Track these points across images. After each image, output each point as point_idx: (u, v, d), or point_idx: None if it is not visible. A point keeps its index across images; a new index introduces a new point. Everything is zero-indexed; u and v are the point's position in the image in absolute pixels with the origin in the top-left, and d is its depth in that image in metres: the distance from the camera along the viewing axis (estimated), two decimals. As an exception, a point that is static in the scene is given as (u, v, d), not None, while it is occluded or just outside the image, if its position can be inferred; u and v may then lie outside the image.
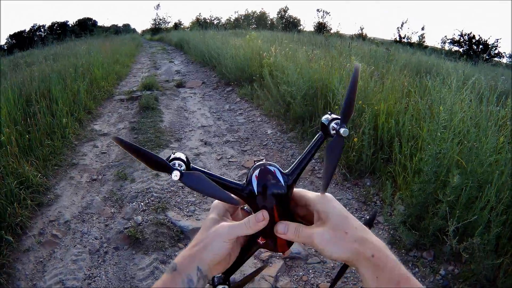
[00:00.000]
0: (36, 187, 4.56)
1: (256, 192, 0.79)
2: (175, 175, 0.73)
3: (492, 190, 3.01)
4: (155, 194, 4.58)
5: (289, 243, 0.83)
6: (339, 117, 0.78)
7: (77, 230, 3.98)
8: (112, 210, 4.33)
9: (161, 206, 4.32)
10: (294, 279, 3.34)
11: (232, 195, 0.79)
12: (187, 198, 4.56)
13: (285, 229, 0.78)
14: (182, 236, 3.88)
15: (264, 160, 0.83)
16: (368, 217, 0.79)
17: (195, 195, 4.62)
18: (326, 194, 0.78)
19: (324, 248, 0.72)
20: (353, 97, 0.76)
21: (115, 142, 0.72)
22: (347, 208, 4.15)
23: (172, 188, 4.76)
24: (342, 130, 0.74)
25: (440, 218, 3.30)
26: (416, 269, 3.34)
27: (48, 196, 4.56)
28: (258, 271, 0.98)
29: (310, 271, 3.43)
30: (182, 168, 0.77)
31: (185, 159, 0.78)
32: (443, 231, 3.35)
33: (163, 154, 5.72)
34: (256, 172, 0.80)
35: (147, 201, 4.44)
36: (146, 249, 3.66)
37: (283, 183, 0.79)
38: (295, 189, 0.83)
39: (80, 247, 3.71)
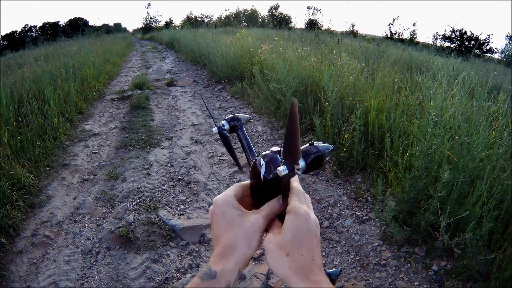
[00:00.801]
0: (28, 188, 4.55)
1: (260, 166, 0.80)
2: (215, 130, 1.03)
3: (484, 185, 3.02)
4: (146, 193, 4.57)
5: None
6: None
7: (69, 230, 3.97)
8: (104, 210, 4.32)
9: (152, 205, 4.31)
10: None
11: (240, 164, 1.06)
12: (178, 197, 4.56)
13: (274, 203, 0.77)
14: (174, 235, 3.87)
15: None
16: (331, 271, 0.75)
17: (185, 194, 4.62)
18: (301, 211, 0.73)
19: (266, 256, 0.71)
20: (292, 138, 0.65)
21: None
22: (338, 205, 4.17)
23: (163, 187, 4.75)
24: (281, 168, 0.69)
25: (432, 213, 3.31)
26: (409, 265, 3.34)
27: (40, 197, 4.54)
28: None
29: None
30: (224, 127, 1.04)
31: (230, 124, 1.05)
32: (435, 226, 3.35)
33: (154, 153, 5.73)
34: (265, 156, 0.82)
35: (138, 201, 4.43)
36: (137, 248, 3.66)
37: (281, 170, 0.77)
38: (298, 188, 0.81)
39: (72, 248, 3.70)
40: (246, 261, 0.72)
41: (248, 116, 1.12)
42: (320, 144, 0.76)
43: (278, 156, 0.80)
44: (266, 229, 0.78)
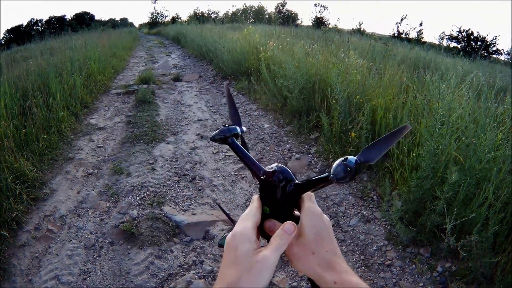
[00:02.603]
0: (32, 182, 4.54)
1: (271, 175, 0.81)
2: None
3: (490, 187, 3.00)
4: (150, 188, 4.56)
5: None
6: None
7: (72, 225, 3.96)
8: (108, 205, 4.31)
9: (157, 201, 4.30)
10: (290, 274, 3.33)
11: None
12: (183, 192, 4.54)
13: (272, 227, 0.79)
14: (178, 231, 3.86)
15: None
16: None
17: (190, 189, 4.61)
18: (317, 211, 0.78)
19: (291, 260, 0.74)
20: (383, 148, 0.76)
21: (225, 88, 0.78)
22: (343, 204, 4.15)
23: (168, 182, 4.74)
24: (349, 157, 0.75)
25: (438, 214, 3.29)
26: (413, 265, 3.32)
27: (44, 191, 4.53)
28: None
29: (307, 266, 3.40)
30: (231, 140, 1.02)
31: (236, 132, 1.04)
32: (441, 227, 3.34)
33: (159, 148, 5.72)
34: (277, 166, 0.82)
35: (142, 196, 4.42)
36: (141, 243, 3.64)
37: (294, 179, 0.81)
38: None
39: (75, 242, 3.69)
40: None
41: (243, 129, 1.10)
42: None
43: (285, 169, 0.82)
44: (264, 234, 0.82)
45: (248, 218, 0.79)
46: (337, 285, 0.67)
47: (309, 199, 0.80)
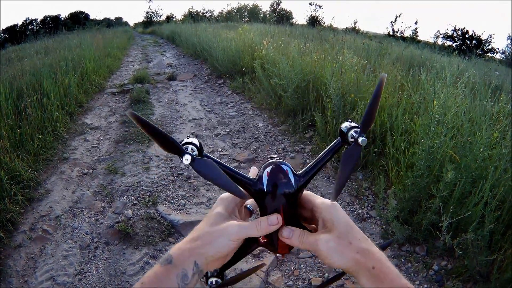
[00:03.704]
0: (27, 182, 4.52)
1: (265, 189, 0.78)
2: (186, 159, 0.73)
3: (487, 186, 3.00)
4: (145, 188, 4.55)
5: (291, 246, 0.82)
6: (359, 125, 0.77)
7: (67, 225, 3.95)
8: (103, 205, 4.30)
9: (152, 200, 4.30)
10: (286, 273, 3.33)
11: (240, 188, 0.78)
12: (178, 192, 4.54)
13: (290, 235, 0.77)
14: (173, 231, 3.86)
15: (278, 158, 0.83)
16: (383, 242, 0.79)
17: (185, 189, 4.60)
18: (328, 202, 0.78)
19: (328, 256, 0.72)
20: (375, 108, 0.75)
21: (130, 118, 0.70)
22: (339, 202, 4.15)
23: (162, 182, 4.73)
24: (360, 139, 0.73)
25: (433, 213, 3.29)
26: (409, 264, 3.33)
27: (39, 191, 4.51)
28: (255, 269, 0.95)
29: (302, 265, 3.41)
30: (194, 153, 0.77)
31: (198, 145, 0.79)
32: (436, 226, 3.34)
33: (154, 148, 5.70)
34: (268, 169, 0.79)
35: (137, 195, 4.41)
36: (136, 243, 3.64)
37: (293, 184, 0.78)
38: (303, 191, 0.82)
39: (70, 243, 3.68)
40: (207, 260, 0.71)
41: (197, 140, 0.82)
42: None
43: (282, 165, 0.79)
44: (266, 245, 0.83)
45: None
46: (376, 270, 0.68)
47: (314, 195, 0.81)
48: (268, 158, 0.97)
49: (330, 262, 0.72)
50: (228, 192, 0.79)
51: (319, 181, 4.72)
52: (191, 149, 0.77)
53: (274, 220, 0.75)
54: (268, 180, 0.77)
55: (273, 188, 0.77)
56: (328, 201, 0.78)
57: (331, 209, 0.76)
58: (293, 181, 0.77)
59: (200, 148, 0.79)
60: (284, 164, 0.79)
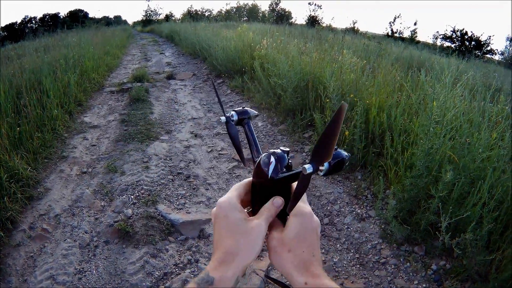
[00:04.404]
0: (27, 181, 4.52)
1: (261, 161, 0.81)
2: (223, 119, 1.03)
3: (485, 186, 3.02)
4: (145, 187, 4.56)
5: None
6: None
7: (67, 224, 3.95)
8: (102, 204, 4.30)
9: (151, 199, 4.30)
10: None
11: (244, 157, 1.02)
12: (177, 191, 4.54)
13: (270, 206, 0.78)
14: (173, 230, 3.86)
15: (287, 150, 0.84)
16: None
17: (185, 188, 4.60)
18: (306, 210, 0.78)
19: (268, 252, 0.75)
20: (331, 138, 0.61)
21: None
22: (338, 202, 4.16)
23: (162, 181, 4.74)
24: (306, 166, 0.66)
25: (432, 213, 3.31)
26: (408, 263, 3.34)
27: (38, 190, 4.51)
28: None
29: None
30: (233, 118, 1.02)
31: (237, 117, 1.03)
32: (435, 226, 3.36)
33: (153, 147, 5.71)
34: (267, 153, 0.82)
35: (137, 194, 4.41)
36: (136, 242, 3.64)
37: (268, 174, 0.79)
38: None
39: (70, 241, 3.68)
40: (245, 268, 0.72)
41: (256, 112, 1.12)
42: (342, 151, 0.75)
43: (286, 156, 0.81)
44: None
45: (232, 190, 0.81)
46: (308, 285, 0.67)
47: (303, 199, 0.80)
48: (280, 148, 0.99)
49: (269, 259, 0.74)
50: (237, 152, 1.04)
51: (318, 181, 4.73)
52: (231, 115, 1.02)
53: (279, 202, 0.78)
54: (262, 162, 0.81)
55: (276, 163, 0.80)
56: (303, 206, 0.78)
57: (298, 214, 0.76)
58: (270, 171, 0.79)
59: (240, 119, 1.03)
60: (276, 155, 0.81)
